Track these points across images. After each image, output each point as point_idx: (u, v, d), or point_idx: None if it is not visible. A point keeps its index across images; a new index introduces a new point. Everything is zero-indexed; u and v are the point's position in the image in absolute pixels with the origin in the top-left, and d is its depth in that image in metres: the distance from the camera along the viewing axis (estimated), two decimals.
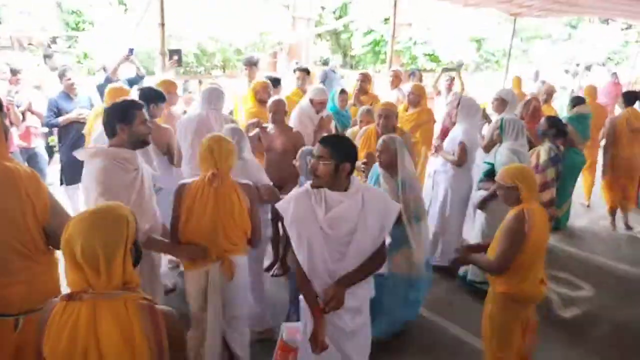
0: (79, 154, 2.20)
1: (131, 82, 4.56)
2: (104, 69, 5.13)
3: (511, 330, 2.38)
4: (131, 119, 2.16)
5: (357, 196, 1.92)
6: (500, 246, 2.27)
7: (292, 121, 4.15)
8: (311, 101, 4.15)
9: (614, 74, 9.48)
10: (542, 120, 4.00)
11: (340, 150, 1.89)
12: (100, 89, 4.39)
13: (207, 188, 2.21)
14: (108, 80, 4.41)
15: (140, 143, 2.24)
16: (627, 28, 15.45)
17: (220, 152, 2.22)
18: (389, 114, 3.35)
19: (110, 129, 2.19)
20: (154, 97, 3.35)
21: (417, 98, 4.55)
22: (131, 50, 4.63)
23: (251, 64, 5.03)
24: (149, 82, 4.78)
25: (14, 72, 4.59)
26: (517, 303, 2.34)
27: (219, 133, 2.53)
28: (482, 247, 2.52)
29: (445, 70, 6.90)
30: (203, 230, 2.23)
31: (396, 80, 5.45)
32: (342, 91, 4.73)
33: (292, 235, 1.92)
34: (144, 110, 2.28)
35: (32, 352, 1.66)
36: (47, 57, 5.71)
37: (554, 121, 3.87)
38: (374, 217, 1.92)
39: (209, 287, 2.28)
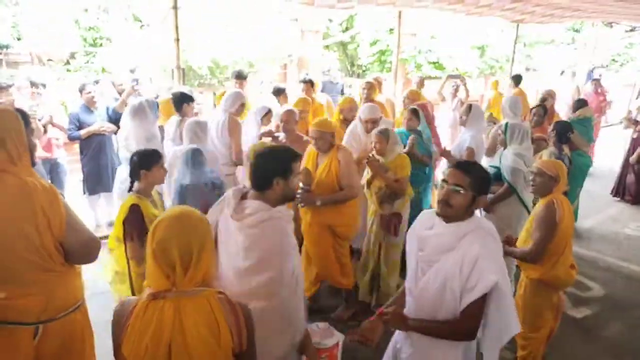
0: (255, 221, 1.77)
1: None
2: (113, 84, 5.33)
3: (543, 314, 2.52)
4: (290, 172, 1.84)
5: (457, 234, 1.61)
6: (536, 235, 2.42)
7: (344, 141, 3.86)
8: (360, 119, 3.84)
9: (595, 80, 8.08)
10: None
11: (480, 180, 1.62)
12: (110, 115, 4.53)
13: None
14: (115, 112, 4.51)
15: (290, 199, 1.92)
16: (631, 30, 15.44)
17: None
18: (319, 136, 3.06)
19: (264, 181, 1.82)
20: (186, 98, 3.98)
21: (412, 103, 4.59)
22: (136, 81, 4.74)
23: (241, 78, 5.16)
24: (165, 95, 4.90)
25: (33, 84, 4.67)
26: (549, 288, 2.48)
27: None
28: (507, 241, 2.62)
29: (450, 77, 7.01)
30: None
31: (370, 92, 4.84)
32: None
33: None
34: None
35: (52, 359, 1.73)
36: (131, 71, 5.99)
37: (556, 125, 3.94)
38: (457, 270, 1.56)
39: None
